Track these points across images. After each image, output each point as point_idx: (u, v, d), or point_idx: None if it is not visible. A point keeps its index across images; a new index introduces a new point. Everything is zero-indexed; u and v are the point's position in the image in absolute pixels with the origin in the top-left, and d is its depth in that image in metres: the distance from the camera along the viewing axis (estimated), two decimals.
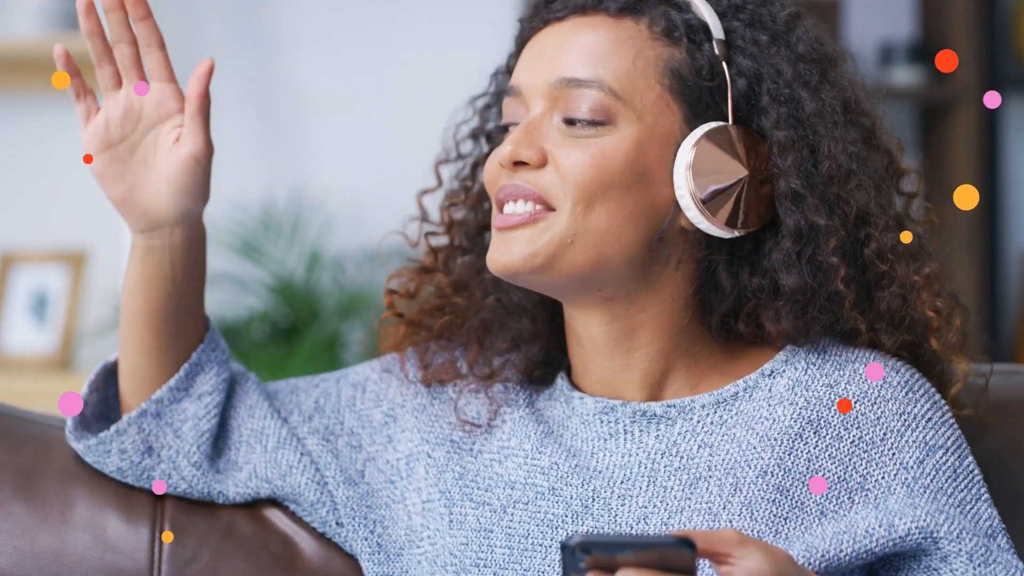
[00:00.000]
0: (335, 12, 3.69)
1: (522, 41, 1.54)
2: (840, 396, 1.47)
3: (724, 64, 1.46)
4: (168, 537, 1.61)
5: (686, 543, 1.20)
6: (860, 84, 1.52)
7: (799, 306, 1.47)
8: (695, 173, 1.44)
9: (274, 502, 1.63)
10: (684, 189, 1.45)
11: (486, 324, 1.58)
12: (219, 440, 1.62)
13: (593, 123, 1.45)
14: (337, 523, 1.59)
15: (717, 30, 1.47)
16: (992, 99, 1.67)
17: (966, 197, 1.50)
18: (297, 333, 3.44)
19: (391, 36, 3.70)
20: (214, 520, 1.62)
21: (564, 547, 1.19)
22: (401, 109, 3.68)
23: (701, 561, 1.36)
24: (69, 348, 3.55)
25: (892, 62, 3.76)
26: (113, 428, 1.59)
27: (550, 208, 1.45)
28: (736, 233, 1.46)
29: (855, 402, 1.47)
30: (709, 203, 1.44)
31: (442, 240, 1.61)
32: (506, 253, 1.46)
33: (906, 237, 1.49)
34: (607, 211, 1.45)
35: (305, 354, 3.32)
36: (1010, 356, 3.83)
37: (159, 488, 1.59)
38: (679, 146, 1.46)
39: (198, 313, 1.60)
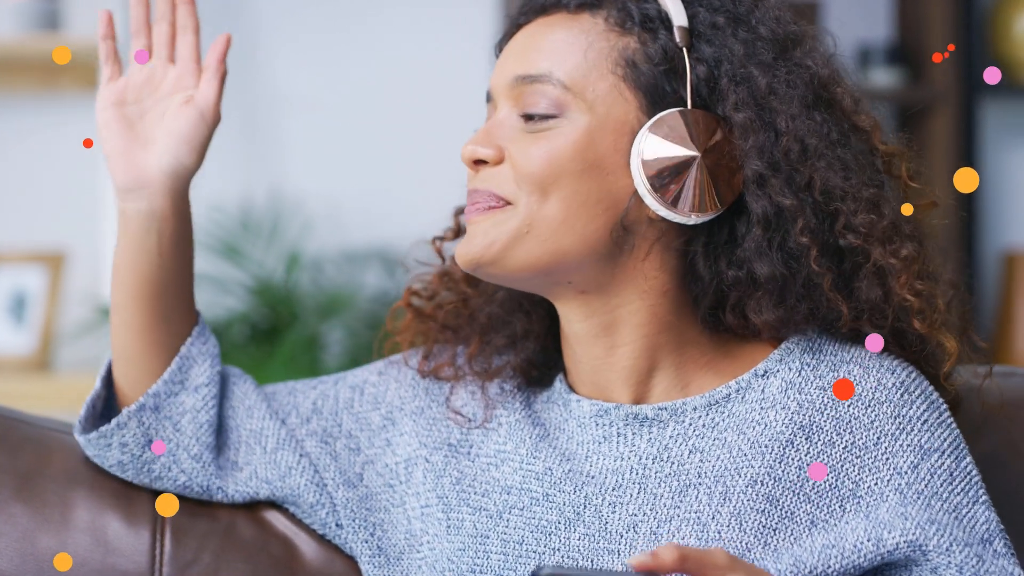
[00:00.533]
0: (313, 13, 3.69)
1: (500, 51, 1.56)
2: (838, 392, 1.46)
3: (684, 51, 1.46)
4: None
5: None
6: (825, 61, 1.50)
7: (776, 295, 1.46)
8: (650, 160, 1.45)
9: (274, 504, 1.63)
10: (639, 177, 1.45)
11: (491, 318, 1.59)
12: (219, 439, 1.62)
13: (546, 117, 1.47)
14: (337, 524, 1.59)
15: (680, 18, 1.47)
16: (992, 75, 1.66)
17: (966, 180, 1.48)
18: (277, 334, 3.43)
19: (369, 37, 3.70)
20: (214, 522, 1.62)
21: None
22: (379, 110, 3.68)
23: None
24: (48, 349, 3.53)
25: (870, 64, 3.77)
26: (114, 422, 1.60)
27: (508, 203, 1.47)
28: (694, 218, 1.46)
29: (848, 405, 1.46)
30: (664, 188, 1.45)
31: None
32: (467, 246, 1.48)
33: (907, 209, 1.48)
34: (561, 200, 1.46)
35: (285, 355, 3.31)
36: (988, 358, 3.83)
37: (159, 448, 1.60)
38: (636, 135, 1.46)
39: (188, 300, 1.62)
